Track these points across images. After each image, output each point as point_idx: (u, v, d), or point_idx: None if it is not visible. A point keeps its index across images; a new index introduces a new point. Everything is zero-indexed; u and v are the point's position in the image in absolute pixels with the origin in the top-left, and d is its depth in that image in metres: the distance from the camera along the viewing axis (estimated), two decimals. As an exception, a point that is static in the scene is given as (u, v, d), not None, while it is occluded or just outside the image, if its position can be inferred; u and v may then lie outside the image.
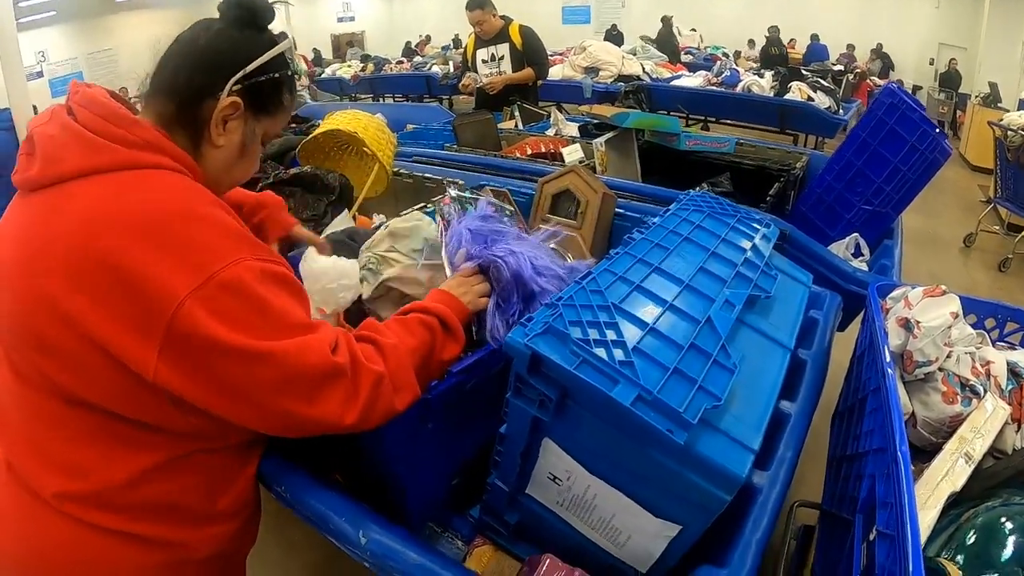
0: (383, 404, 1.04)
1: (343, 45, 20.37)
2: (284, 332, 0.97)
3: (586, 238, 2.00)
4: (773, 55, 11.26)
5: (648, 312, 1.09)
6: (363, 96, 11.84)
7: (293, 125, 4.32)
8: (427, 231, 1.53)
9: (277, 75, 1.13)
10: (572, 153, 3.12)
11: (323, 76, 13.27)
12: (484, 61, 4.90)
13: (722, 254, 1.35)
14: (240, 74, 1.07)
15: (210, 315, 0.91)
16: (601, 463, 1.05)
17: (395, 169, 2.62)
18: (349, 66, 13.52)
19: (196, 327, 0.91)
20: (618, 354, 0.96)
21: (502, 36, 4.83)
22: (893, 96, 2.49)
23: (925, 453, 1.24)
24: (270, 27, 1.14)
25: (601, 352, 0.95)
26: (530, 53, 4.87)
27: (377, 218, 2.21)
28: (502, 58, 4.86)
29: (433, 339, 1.15)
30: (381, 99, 11.67)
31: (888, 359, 1.24)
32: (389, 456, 1.21)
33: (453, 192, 1.65)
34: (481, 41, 4.87)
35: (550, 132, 3.73)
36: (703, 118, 7.45)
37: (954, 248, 5.59)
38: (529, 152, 3.26)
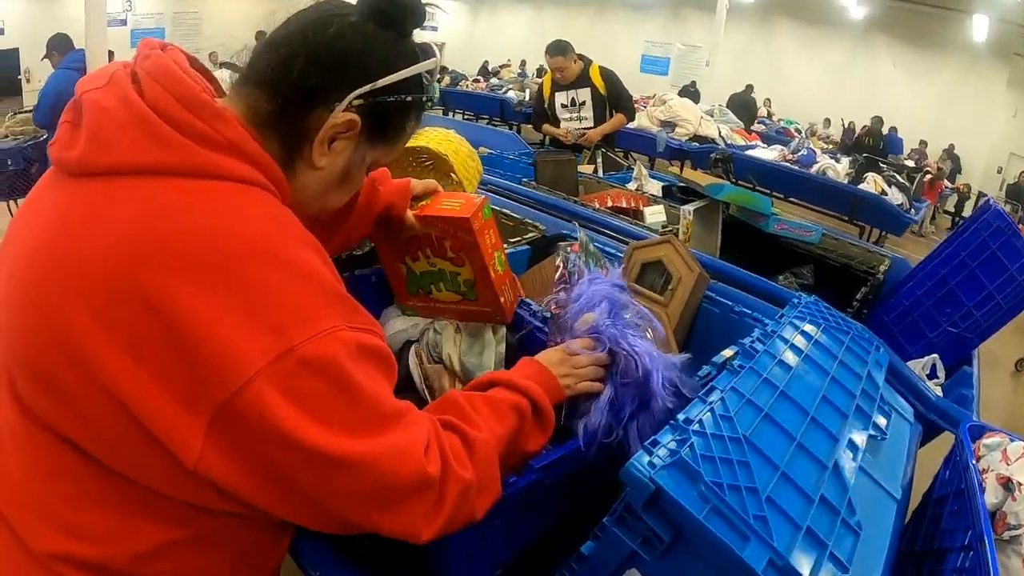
0: (465, 514, 0.87)
1: (422, 54, 20.61)
2: (375, 428, 0.78)
3: (672, 318, 1.83)
4: (866, 144, 11.02)
5: (776, 450, 0.92)
6: (435, 108, 11.83)
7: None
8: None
9: (410, 98, 0.93)
10: (655, 215, 2.97)
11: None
12: (564, 106, 4.72)
13: (840, 380, 1.18)
14: (368, 87, 0.87)
15: (287, 400, 0.72)
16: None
17: (476, 200, 2.47)
18: (426, 75, 13.58)
19: (265, 413, 0.71)
20: (751, 505, 0.79)
21: (582, 80, 4.67)
22: (1001, 220, 2.31)
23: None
24: (414, 33, 0.94)
25: (733, 500, 0.78)
26: (615, 98, 4.72)
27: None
28: (583, 103, 4.69)
29: (521, 426, 0.99)
30: (452, 114, 11.66)
31: (986, 518, 1.07)
32: (442, 545, 1.04)
33: (582, 236, 1.47)
34: (559, 85, 4.71)
35: (631, 186, 3.58)
36: (770, 192, 7.28)
37: (1006, 370, 5.40)
38: (610, 204, 3.10)
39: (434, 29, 21.74)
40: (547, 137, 5.03)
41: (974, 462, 1.22)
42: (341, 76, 0.86)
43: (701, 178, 3.22)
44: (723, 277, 2.15)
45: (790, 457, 0.92)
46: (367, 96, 0.87)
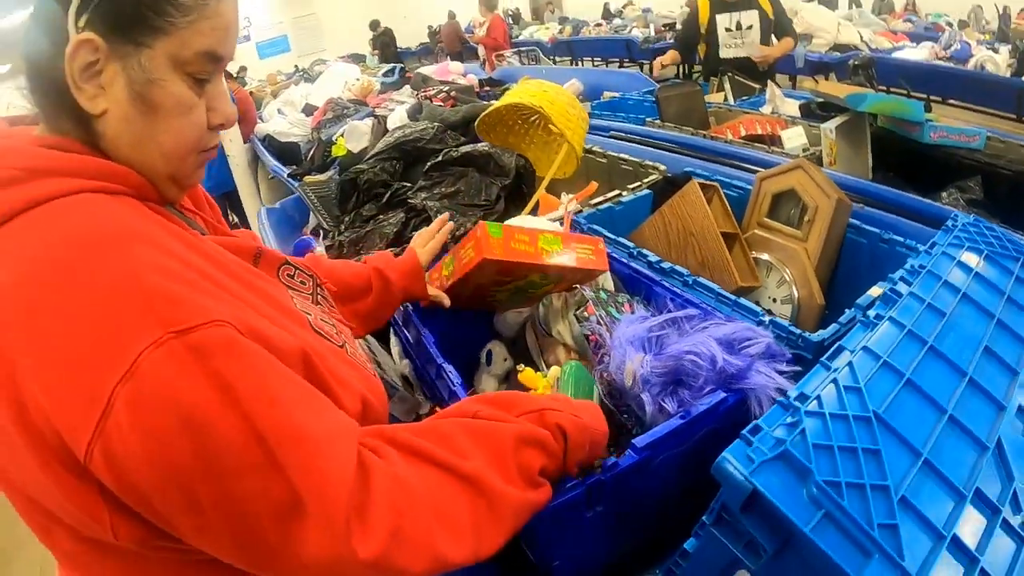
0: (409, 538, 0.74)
1: (542, 7, 20.39)
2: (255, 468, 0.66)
3: (812, 254, 1.61)
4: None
5: (918, 428, 0.73)
6: (561, 59, 11.62)
7: (486, 89, 4.18)
8: None
9: None
10: (793, 138, 2.68)
11: (519, 38, 13.05)
12: (728, 29, 4.22)
13: (1007, 323, 0.95)
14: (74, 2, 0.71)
15: (135, 469, 0.63)
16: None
17: (587, 147, 2.31)
18: (547, 28, 13.39)
19: (124, 480, 0.64)
20: (879, 510, 0.62)
21: (748, 2, 4.19)
22: None
23: None
24: None
25: (855, 504, 0.61)
26: (782, 21, 4.29)
27: (565, 198, 1.89)
28: (750, 27, 4.19)
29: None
30: (579, 63, 11.45)
31: None
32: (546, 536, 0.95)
33: (588, 293, 1.37)
34: (722, 4, 4.21)
35: (765, 109, 3.27)
36: (925, 97, 6.60)
37: None
38: (743, 133, 2.84)
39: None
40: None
41: None
42: (51, 11, 0.73)
43: (841, 90, 2.88)
44: (871, 200, 1.88)
45: (937, 437, 0.73)
46: (83, 8, 0.71)
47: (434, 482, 0.76)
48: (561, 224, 1.63)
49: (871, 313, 0.90)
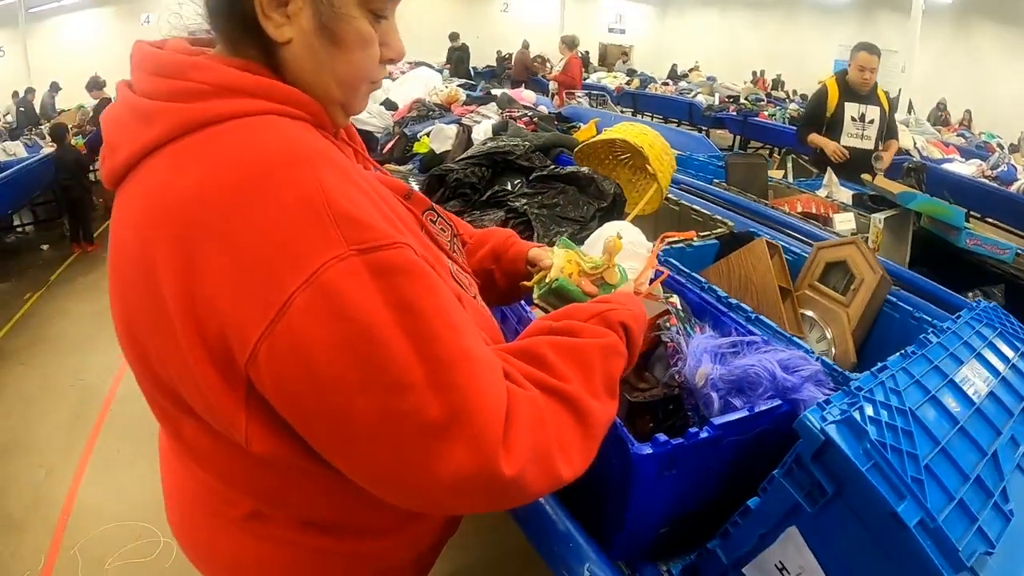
0: (545, 453, 0.82)
1: (609, 55, 20.73)
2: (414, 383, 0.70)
3: (852, 318, 1.87)
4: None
5: (938, 428, 0.98)
6: (624, 109, 11.94)
7: (556, 122, 4.46)
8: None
9: None
10: (844, 222, 2.96)
11: (587, 80, 13.39)
12: (854, 119, 4.19)
13: (1011, 381, 1.20)
14: None
15: (298, 373, 0.68)
16: (841, 571, 0.96)
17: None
18: (615, 77, 13.73)
19: (282, 383, 0.70)
20: (910, 468, 0.87)
21: (873, 96, 4.21)
22: None
23: None
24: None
25: (894, 460, 0.87)
26: (892, 122, 4.35)
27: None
28: (871, 122, 4.19)
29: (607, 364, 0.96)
30: (640, 115, 11.76)
31: None
32: (628, 491, 1.16)
33: (678, 307, 1.58)
34: (851, 94, 4.19)
35: (821, 193, 3.55)
36: (965, 210, 6.85)
37: None
38: (799, 209, 3.12)
39: (622, 32, 21.89)
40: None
41: None
42: None
43: (894, 187, 3.15)
44: (907, 285, 2.16)
45: (951, 437, 0.97)
46: None
47: (552, 409, 0.82)
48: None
49: (908, 349, 1.16)
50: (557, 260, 1.28)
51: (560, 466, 0.80)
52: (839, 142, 4.19)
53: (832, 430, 0.88)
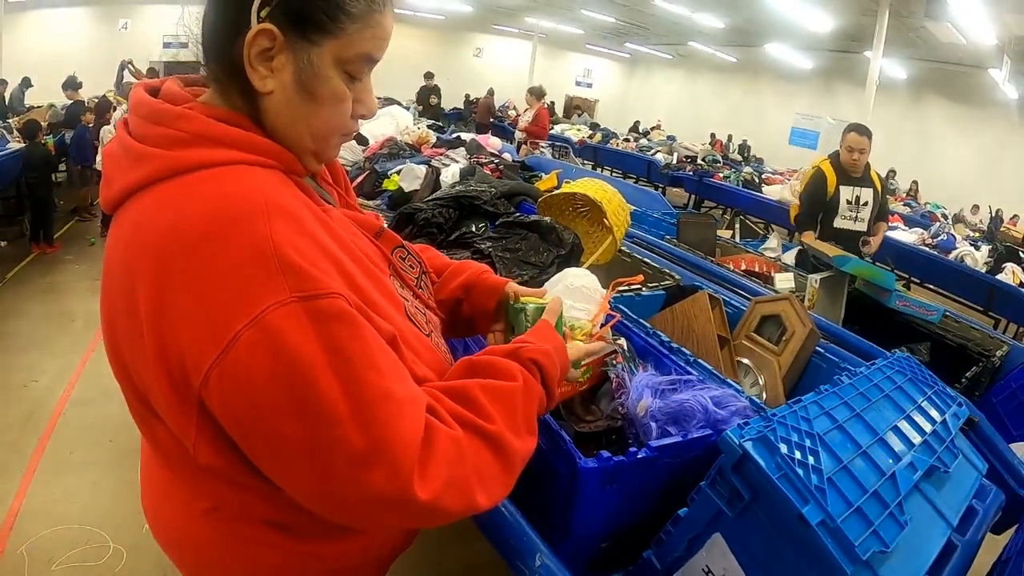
0: (462, 483, 0.92)
1: (573, 108, 21.14)
2: (348, 417, 0.80)
3: (783, 365, 2.07)
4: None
5: (843, 451, 1.15)
6: (586, 161, 12.22)
7: (519, 171, 4.63)
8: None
9: None
10: (784, 281, 3.19)
11: (552, 132, 13.69)
12: (848, 202, 4.18)
13: (915, 419, 1.39)
14: None
15: (241, 399, 0.78)
16: (759, 571, 1.12)
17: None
18: (579, 130, 14.05)
19: (229, 408, 0.80)
20: (814, 478, 1.04)
21: (867, 179, 4.21)
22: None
23: None
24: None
25: (801, 472, 1.04)
26: (884, 203, 4.34)
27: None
28: (865, 204, 4.18)
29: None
30: (601, 169, 12.05)
31: None
32: (573, 502, 1.31)
33: (625, 348, 1.73)
34: (846, 177, 4.19)
35: (768, 252, 3.80)
36: (907, 277, 7.24)
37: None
38: (743, 267, 3.36)
39: (589, 86, 22.41)
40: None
41: None
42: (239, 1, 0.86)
43: (832, 251, 3.40)
44: (836, 339, 2.38)
45: (854, 458, 1.15)
46: (264, 3, 0.85)
47: (474, 446, 0.92)
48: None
49: (821, 388, 1.34)
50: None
51: (478, 495, 0.91)
52: (833, 225, 4.20)
53: (749, 445, 1.06)
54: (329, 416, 0.79)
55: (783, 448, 1.07)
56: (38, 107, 10.01)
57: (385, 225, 1.16)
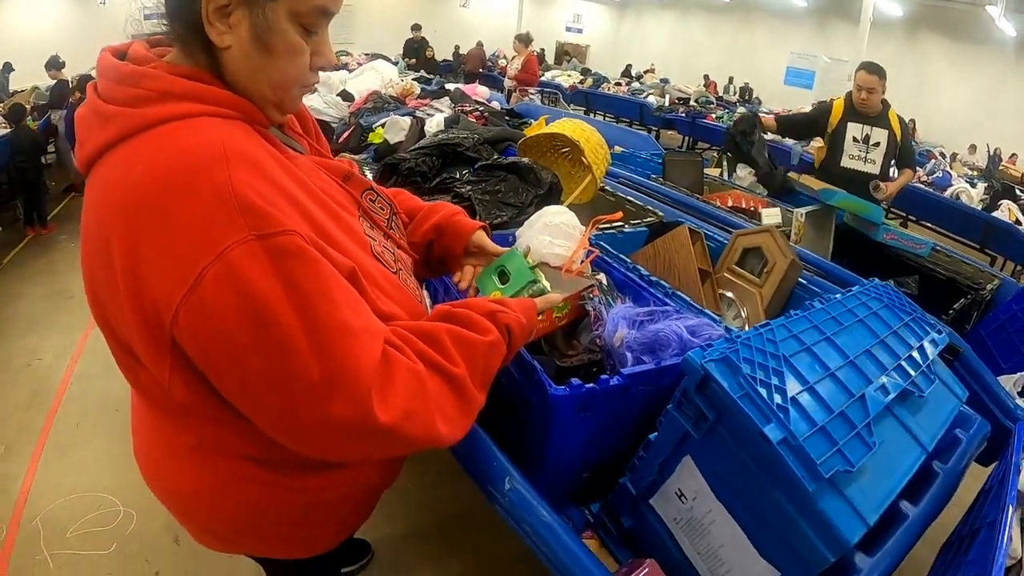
0: (423, 413, 0.99)
1: (563, 55, 20.93)
2: (313, 348, 0.86)
3: (764, 297, 2.07)
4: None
5: (810, 372, 1.16)
6: (576, 107, 12.11)
7: (507, 118, 4.60)
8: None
9: None
10: (771, 216, 3.18)
11: (542, 79, 13.53)
12: (856, 140, 4.02)
13: (890, 344, 1.39)
14: None
15: (207, 333, 0.84)
16: (728, 492, 1.14)
17: (601, 186, 2.78)
18: (569, 75, 13.90)
19: (199, 342, 0.85)
20: (777, 398, 1.05)
21: (883, 120, 4.01)
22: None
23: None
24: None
25: (763, 391, 1.05)
26: (907, 150, 4.13)
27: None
28: (876, 144, 4.00)
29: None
30: (593, 114, 11.94)
31: (1012, 494, 1.26)
32: (547, 429, 1.33)
33: (604, 283, 1.73)
34: (855, 114, 4.03)
35: (736, 182, 3.78)
36: (904, 215, 7.24)
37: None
38: (730, 204, 3.34)
39: (579, 31, 22.11)
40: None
41: (1021, 453, 1.41)
42: None
43: (815, 184, 3.39)
44: (822, 272, 2.38)
45: (821, 380, 1.15)
46: None
47: (436, 381, 0.99)
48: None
49: (791, 312, 1.34)
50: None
51: (440, 424, 0.98)
52: (840, 163, 4.08)
53: (711, 366, 1.06)
54: (287, 346, 0.84)
55: (745, 368, 1.07)
56: (22, 91, 9.95)
57: (366, 173, 1.21)
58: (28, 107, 7.64)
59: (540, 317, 1.46)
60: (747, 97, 15.69)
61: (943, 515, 1.32)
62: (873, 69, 3.93)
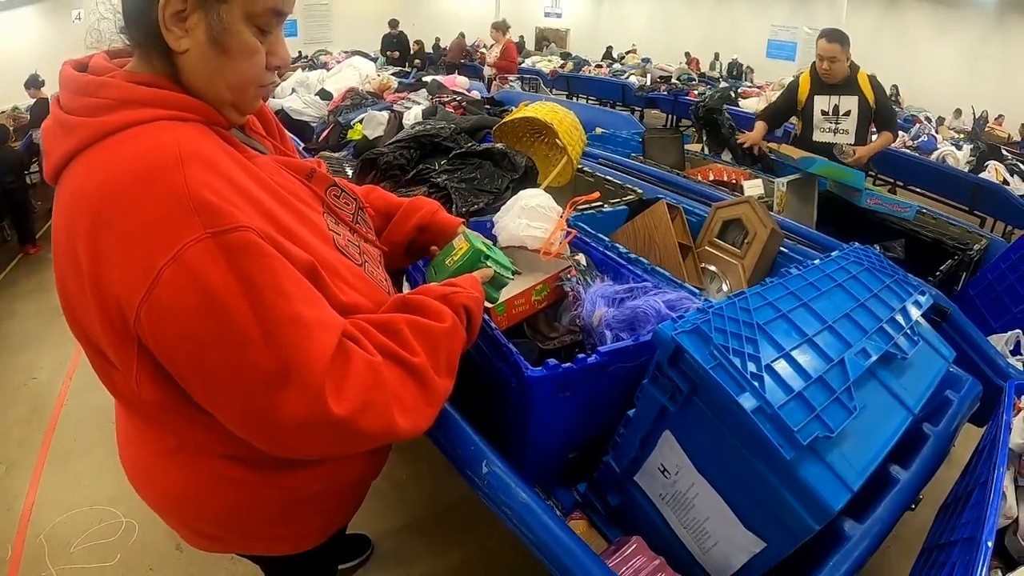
0: (380, 404, 1.00)
1: (543, 40, 20.87)
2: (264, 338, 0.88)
3: (746, 268, 2.06)
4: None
5: (786, 339, 1.15)
6: (558, 92, 12.06)
7: (487, 107, 4.59)
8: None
9: None
10: (753, 188, 3.16)
11: (522, 65, 13.46)
12: (824, 113, 3.90)
13: (870, 307, 1.38)
14: None
15: (168, 330, 0.86)
16: (709, 464, 1.14)
17: (580, 166, 2.76)
18: (549, 61, 13.84)
19: (159, 339, 0.87)
20: (751, 367, 1.04)
21: (850, 86, 3.84)
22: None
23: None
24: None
25: (736, 361, 1.04)
26: (883, 112, 3.91)
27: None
28: (846, 114, 3.86)
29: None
30: (575, 98, 11.90)
31: (1004, 452, 1.24)
32: (527, 411, 1.32)
33: (582, 263, 1.75)
34: (822, 85, 3.89)
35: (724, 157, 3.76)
36: (892, 180, 7.21)
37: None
38: (711, 178, 3.33)
39: (558, 16, 22.01)
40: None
41: (1012, 411, 1.38)
42: None
43: (795, 153, 3.37)
44: (806, 241, 2.37)
45: (798, 346, 1.14)
46: None
47: (395, 373, 1.00)
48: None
49: (766, 280, 1.33)
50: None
51: (397, 418, 0.98)
52: (812, 138, 3.96)
53: (683, 338, 1.05)
54: (242, 339, 0.86)
55: (717, 338, 1.06)
56: (2, 112, 9.88)
57: (346, 170, 1.23)
58: (11, 128, 7.58)
59: (520, 301, 1.45)
60: (735, 73, 15.59)
61: (944, 477, 1.31)
62: (833, 36, 3.77)
